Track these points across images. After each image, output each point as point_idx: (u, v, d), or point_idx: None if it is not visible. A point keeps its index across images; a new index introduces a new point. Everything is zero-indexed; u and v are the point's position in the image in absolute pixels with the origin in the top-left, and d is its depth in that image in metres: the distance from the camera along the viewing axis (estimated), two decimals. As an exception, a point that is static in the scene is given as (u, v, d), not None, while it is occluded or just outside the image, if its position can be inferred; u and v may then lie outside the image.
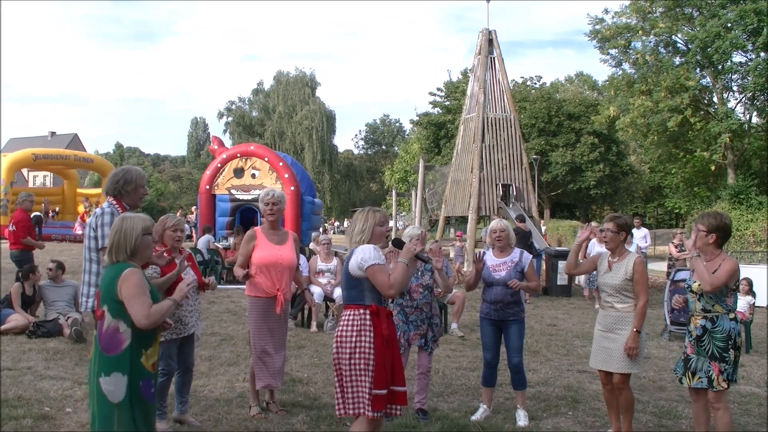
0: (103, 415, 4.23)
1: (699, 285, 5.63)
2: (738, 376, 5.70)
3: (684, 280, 10.37)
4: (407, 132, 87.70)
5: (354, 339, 4.74)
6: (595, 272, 6.49)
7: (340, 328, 4.85)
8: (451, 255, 25.53)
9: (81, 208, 33.63)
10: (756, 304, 11.97)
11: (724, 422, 5.58)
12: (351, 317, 4.81)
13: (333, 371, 4.90)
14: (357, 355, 4.71)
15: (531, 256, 7.07)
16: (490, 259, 6.87)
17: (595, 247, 15.06)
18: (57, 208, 33.21)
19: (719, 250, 5.70)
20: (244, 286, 6.80)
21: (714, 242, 5.65)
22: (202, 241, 18.65)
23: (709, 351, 5.56)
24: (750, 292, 11.68)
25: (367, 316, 4.76)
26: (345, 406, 4.79)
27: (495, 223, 7.04)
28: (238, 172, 22.91)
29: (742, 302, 11.27)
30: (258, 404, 6.70)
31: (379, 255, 4.81)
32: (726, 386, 5.53)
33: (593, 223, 17.68)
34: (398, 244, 5.04)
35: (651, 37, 36.46)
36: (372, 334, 4.72)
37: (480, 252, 7.10)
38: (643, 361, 6.22)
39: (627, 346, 5.86)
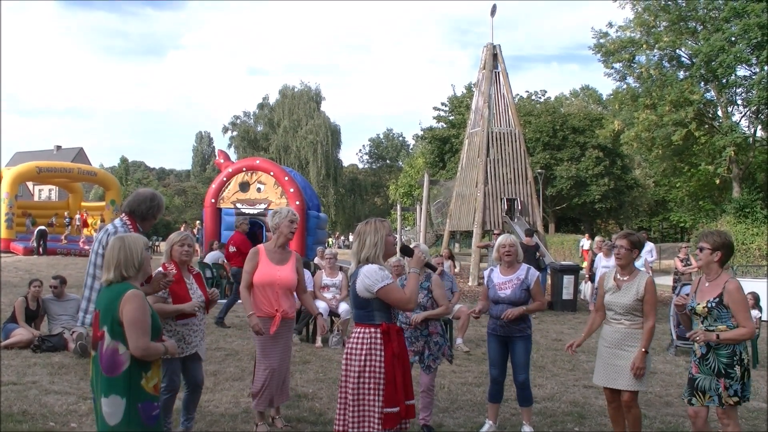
0: None
1: (703, 307, 5.59)
2: (750, 392, 5.63)
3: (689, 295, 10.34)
4: (411, 146, 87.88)
5: (363, 358, 4.69)
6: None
7: (350, 345, 4.80)
8: (457, 269, 25.51)
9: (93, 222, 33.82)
10: (762, 319, 11.93)
11: None
12: (361, 336, 4.75)
13: (338, 387, 4.88)
14: (366, 375, 4.66)
15: (538, 273, 7.01)
16: (497, 276, 6.84)
17: (602, 261, 15.05)
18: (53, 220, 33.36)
19: (721, 269, 5.67)
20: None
21: (718, 260, 5.62)
22: (211, 257, 18.62)
23: (714, 368, 5.50)
24: (756, 306, 11.65)
25: (378, 336, 4.71)
26: (344, 424, 4.74)
27: (503, 238, 6.97)
28: (244, 186, 22.96)
29: (749, 317, 11.23)
30: (264, 421, 6.66)
31: (385, 274, 4.73)
32: (735, 401, 5.47)
33: (597, 238, 17.67)
34: (407, 251, 5.00)
35: (655, 51, 36.58)
36: (382, 354, 4.67)
37: (485, 270, 7.06)
38: (650, 378, 6.16)
39: (635, 366, 5.82)
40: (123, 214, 5.87)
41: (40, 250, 28.53)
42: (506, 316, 6.51)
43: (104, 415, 4.21)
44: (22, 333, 10.20)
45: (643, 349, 5.84)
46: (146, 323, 4.25)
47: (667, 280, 19.64)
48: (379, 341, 4.70)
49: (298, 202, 22.24)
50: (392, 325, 4.79)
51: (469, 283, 22.55)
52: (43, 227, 29.59)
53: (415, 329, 6.85)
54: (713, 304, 5.50)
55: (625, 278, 6.04)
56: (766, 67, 32.44)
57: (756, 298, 11.72)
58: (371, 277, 4.71)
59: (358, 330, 4.80)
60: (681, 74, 36.65)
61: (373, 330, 4.73)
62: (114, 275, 4.34)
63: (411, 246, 7.02)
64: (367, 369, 4.67)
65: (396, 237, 5.02)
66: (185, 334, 6.01)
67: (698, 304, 5.61)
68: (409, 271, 4.89)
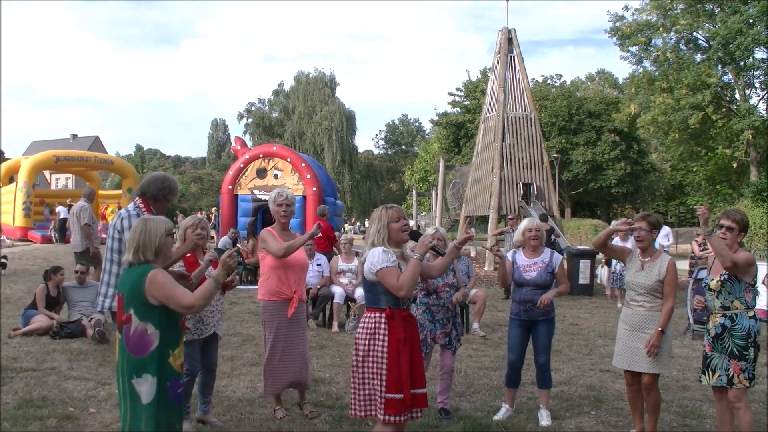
0: (135, 416, 4.27)
1: (716, 282, 5.59)
2: (758, 374, 5.63)
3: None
4: (427, 132, 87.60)
5: (368, 342, 4.73)
6: (619, 269, 6.44)
7: (358, 330, 4.86)
8: (473, 254, 25.50)
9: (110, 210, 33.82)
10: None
11: (746, 420, 5.53)
12: (367, 320, 4.80)
13: (350, 371, 4.92)
14: (370, 359, 4.70)
15: (562, 256, 7.01)
16: (521, 259, 6.85)
17: (618, 245, 14.97)
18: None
19: (739, 247, 5.67)
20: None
21: (740, 240, 5.63)
22: (222, 243, 18.66)
23: (728, 349, 5.52)
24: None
25: (383, 320, 4.73)
26: (356, 408, 4.81)
27: (529, 222, 6.99)
28: (261, 173, 22.98)
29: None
30: (282, 406, 6.68)
31: (387, 257, 4.73)
32: (748, 385, 5.48)
33: (614, 222, 17.61)
34: (415, 236, 4.96)
35: (672, 34, 36.27)
36: (386, 338, 4.69)
37: (508, 253, 7.08)
38: (671, 362, 6.17)
39: (649, 344, 5.82)
40: (137, 198, 5.89)
41: (56, 237, 28.57)
42: (542, 302, 6.53)
43: (139, 395, 4.26)
44: (41, 320, 10.27)
45: (660, 329, 5.84)
46: (178, 290, 4.34)
47: (683, 264, 19.50)
48: (383, 326, 4.72)
49: (315, 189, 22.26)
50: (399, 311, 4.77)
51: (485, 268, 22.55)
52: (65, 217, 29.52)
53: (447, 311, 6.87)
54: (725, 277, 5.51)
55: (647, 259, 6.04)
56: (784, 49, 32.20)
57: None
58: (372, 259, 4.76)
59: (366, 315, 4.85)
60: (698, 57, 36.37)
61: (378, 314, 4.76)
62: (134, 257, 4.38)
63: (430, 231, 7.06)
64: (371, 353, 4.70)
65: (406, 222, 4.96)
66: (203, 316, 6.06)
67: (712, 279, 5.63)
68: (412, 256, 4.83)
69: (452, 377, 6.99)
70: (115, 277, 5.60)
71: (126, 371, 4.30)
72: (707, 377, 5.64)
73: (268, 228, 6.69)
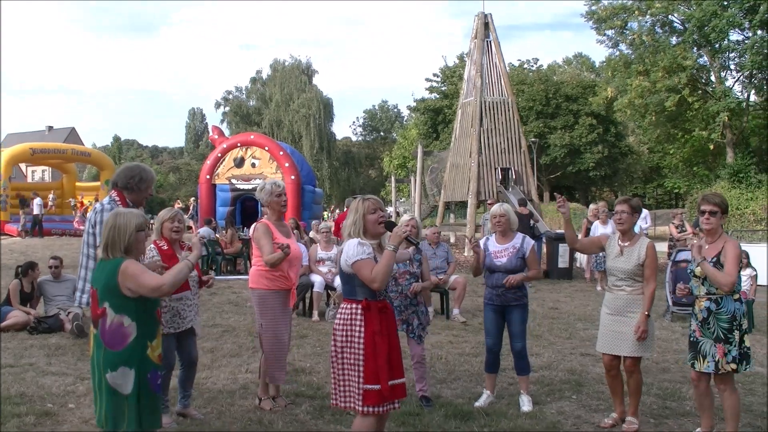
0: (113, 409, 4.25)
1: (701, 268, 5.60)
2: (752, 358, 5.65)
3: (685, 261, 10.35)
4: (405, 118, 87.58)
5: (345, 334, 4.72)
6: (602, 254, 6.44)
7: (335, 321, 4.84)
8: (452, 240, 25.53)
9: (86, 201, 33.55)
10: (760, 283, 11.95)
11: (731, 404, 5.56)
12: (344, 312, 4.79)
13: (330, 363, 4.91)
14: (348, 350, 4.69)
15: (533, 241, 7.01)
16: (493, 245, 6.85)
17: (599, 229, 15.02)
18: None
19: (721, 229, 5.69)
20: (244, 277, 6.70)
21: (723, 222, 5.65)
22: (203, 233, 18.54)
23: (714, 333, 5.53)
24: (749, 265, 11.68)
25: (359, 311, 4.71)
26: (336, 398, 4.82)
27: (496, 207, 6.99)
28: (239, 162, 22.89)
29: (744, 276, 11.28)
30: (269, 397, 6.65)
31: (362, 250, 4.71)
32: (733, 368, 5.49)
33: (592, 205, 17.66)
34: (390, 226, 4.93)
35: (647, 17, 36.36)
36: (362, 330, 4.68)
37: (481, 239, 7.09)
38: (654, 344, 6.19)
39: (639, 329, 5.85)
40: (113, 191, 5.84)
41: (27, 231, 28.29)
42: (508, 281, 6.53)
43: (115, 387, 4.23)
44: (17, 315, 10.18)
45: (646, 312, 5.86)
46: (146, 274, 4.33)
47: (662, 247, 19.61)
48: (359, 317, 4.70)
49: (293, 177, 22.19)
50: (375, 302, 4.75)
51: (465, 254, 22.57)
52: (38, 213, 29.20)
53: (405, 298, 6.86)
54: (711, 264, 5.51)
55: (626, 243, 6.05)
56: (759, 31, 32.32)
57: (747, 256, 11.77)
58: (348, 251, 4.73)
59: (343, 306, 4.83)
60: (674, 40, 36.51)
61: (354, 306, 4.74)
62: (103, 254, 4.36)
63: (405, 218, 7.08)
64: (347, 345, 4.70)
65: (382, 213, 4.90)
66: (180, 309, 6.03)
67: (697, 266, 5.62)
68: (386, 247, 4.77)
69: (425, 365, 6.95)
70: (92, 272, 5.54)
71: (101, 365, 4.27)
72: (699, 362, 5.62)
73: (264, 221, 6.56)
